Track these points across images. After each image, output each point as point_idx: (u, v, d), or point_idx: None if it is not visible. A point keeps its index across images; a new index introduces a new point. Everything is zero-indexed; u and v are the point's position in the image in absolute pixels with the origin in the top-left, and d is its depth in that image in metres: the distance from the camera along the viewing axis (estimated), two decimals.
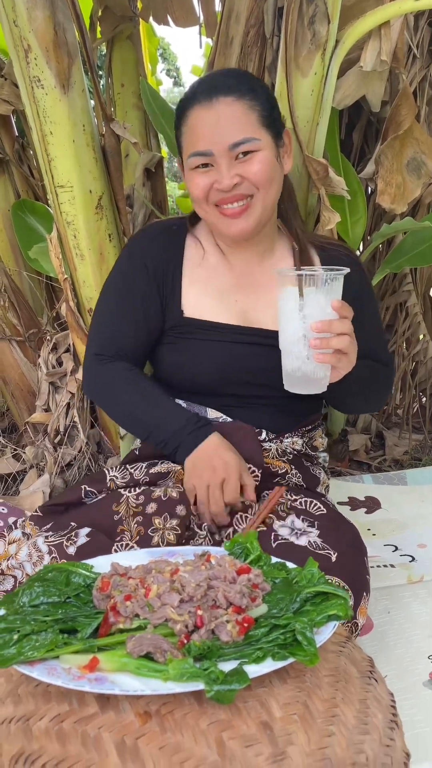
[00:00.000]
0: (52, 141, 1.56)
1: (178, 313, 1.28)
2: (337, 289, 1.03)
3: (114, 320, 1.30)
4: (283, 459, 1.32)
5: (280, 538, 1.10)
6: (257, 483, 1.22)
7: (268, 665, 0.64)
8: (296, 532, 1.12)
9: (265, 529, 1.13)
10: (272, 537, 1.10)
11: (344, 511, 1.76)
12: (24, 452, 2.06)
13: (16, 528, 1.23)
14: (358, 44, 1.65)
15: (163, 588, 0.68)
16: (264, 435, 1.31)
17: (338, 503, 1.78)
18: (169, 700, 0.63)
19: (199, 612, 0.66)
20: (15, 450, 2.11)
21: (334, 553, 1.08)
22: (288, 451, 1.34)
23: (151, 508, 1.13)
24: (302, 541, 1.09)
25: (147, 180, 2.36)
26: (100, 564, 0.81)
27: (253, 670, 0.63)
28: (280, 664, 0.64)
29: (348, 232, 1.86)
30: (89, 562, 0.81)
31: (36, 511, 1.20)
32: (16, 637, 0.66)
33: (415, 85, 1.97)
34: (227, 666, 0.64)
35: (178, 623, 0.66)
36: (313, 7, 1.49)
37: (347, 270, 1.03)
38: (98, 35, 2.58)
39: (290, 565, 0.81)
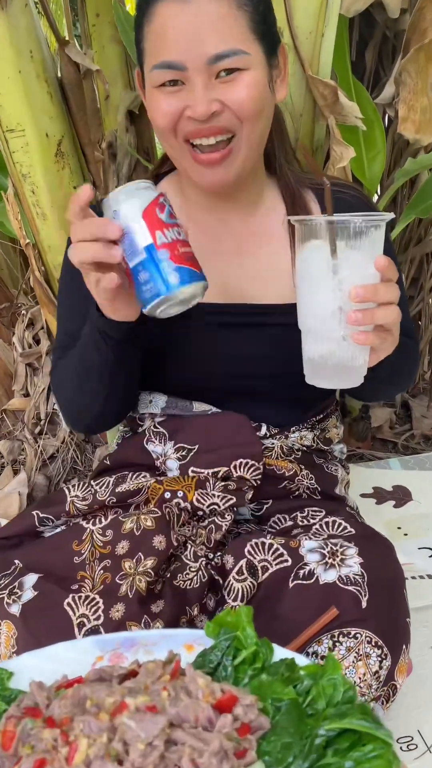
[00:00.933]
0: None
1: None
2: (378, 243, 0.78)
3: (67, 323, 1.06)
4: (290, 458, 1.08)
5: (302, 572, 0.88)
6: (257, 484, 1.01)
7: None
8: (327, 560, 0.89)
9: (290, 546, 0.92)
10: (296, 569, 0.88)
11: (369, 505, 1.50)
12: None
13: None
14: None
15: (95, 750, 0.42)
16: (264, 430, 1.06)
17: (362, 495, 1.53)
18: None
19: None
20: None
21: (365, 594, 0.84)
22: (296, 448, 1.09)
23: (122, 548, 0.90)
24: (330, 576, 0.86)
25: (130, 124, 2.06)
26: (25, 668, 0.55)
27: None
28: None
29: (364, 171, 1.55)
30: (9, 665, 0.56)
31: None
32: None
33: None
34: None
35: None
36: None
37: (391, 215, 0.77)
38: None
39: (301, 660, 0.55)
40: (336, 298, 0.77)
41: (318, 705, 0.49)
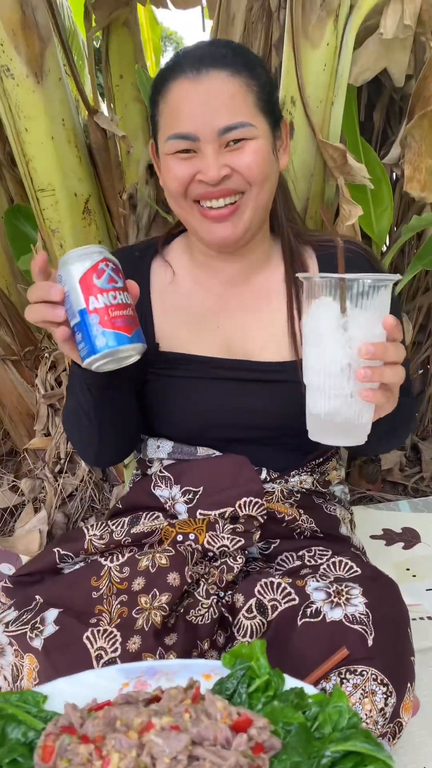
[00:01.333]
0: (28, 139, 1.37)
1: (154, 347, 1.10)
2: (386, 302, 0.80)
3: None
4: (290, 501, 1.12)
5: (309, 610, 0.91)
6: (262, 521, 1.04)
7: None
8: (332, 599, 0.92)
9: (295, 586, 0.95)
10: (303, 608, 0.91)
11: (378, 546, 1.54)
12: (21, 483, 1.87)
13: None
14: (376, 8, 1.42)
15: (126, 762, 0.47)
16: (264, 475, 1.10)
17: (371, 537, 1.56)
18: None
19: None
20: (13, 481, 1.93)
21: (371, 633, 0.87)
22: (296, 490, 1.13)
23: (138, 584, 0.94)
24: (336, 614, 0.90)
25: (150, 177, 2.17)
26: (57, 693, 0.61)
27: None
28: None
29: (372, 226, 1.63)
30: (45, 688, 0.61)
31: (6, 582, 1.01)
32: None
33: None
34: None
35: None
36: None
37: (398, 276, 0.81)
38: (93, 24, 2.39)
39: (310, 689, 0.60)
40: (345, 355, 0.78)
41: (325, 729, 0.54)
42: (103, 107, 2.28)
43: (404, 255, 1.96)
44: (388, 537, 1.58)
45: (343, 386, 0.80)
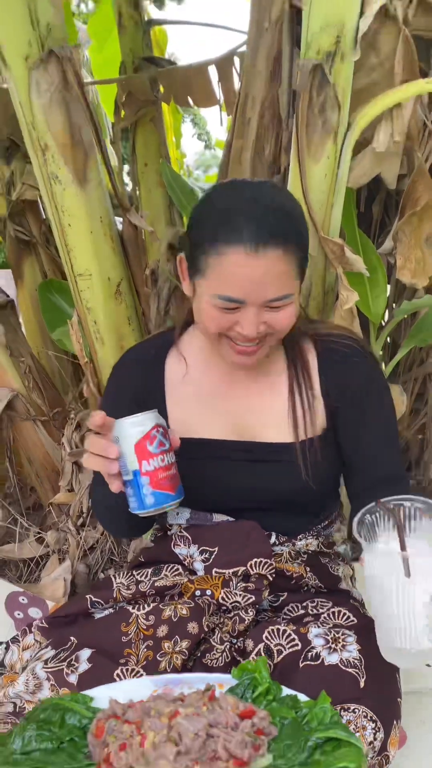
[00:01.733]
0: (70, 232, 1.59)
1: None
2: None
3: None
4: (297, 561, 1.24)
5: (310, 654, 1.04)
6: (271, 579, 1.17)
7: None
8: (330, 645, 1.05)
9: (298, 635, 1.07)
10: (305, 653, 1.04)
11: None
12: (47, 536, 2.03)
13: (30, 632, 1.20)
14: (371, 124, 1.66)
15: (160, 737, 0.63)
16: (273, 539, 1.22)
17: None
18: None
19: (197, 767, 0.61)
20: (38, 533, 2.09)
21: (362, 676, 1.00)
22: (302, 551, 1.25)
23: (162, 631, 1.08)
24: (333, 659, 1.02)
25: (171, 255, 2.40)
26: (101, 696, 0.77)
27: None
28: None
29: (369, 308, 1.84)
30: (89, 693, 0.77)
31: (42, 622, 1.16)
32: None
33: (431, 161, 1.96)
34: None
35: None
36: (323, 96, 1.51)
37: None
38: (122, 117, 2.67)
39: (302, 697, 0.76)
40: (415, 603, 0.82)
41: (312, 724, 0.70)
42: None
43: (400, 330, 2.15)
44: None
45: (415, 624, 0.83)
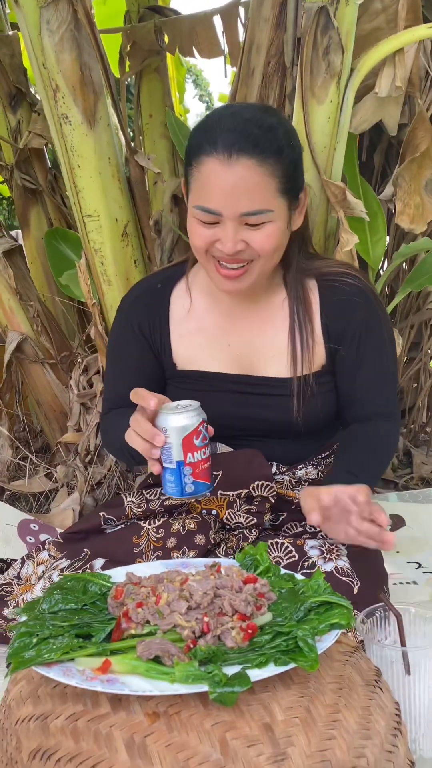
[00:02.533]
0: (79, 173, 1.64)
1: (172, 366, 1.28)
2: None
3: (112, 383, 1.34)
4: (297, 489, 1.30)
5: (306, 564, 1.12)
6: (273, 502, 1.24)
7: (270, 670, 0.67)
8: (324, 555, 1.14)
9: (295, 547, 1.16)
10: (302, 562, 1.12)
11: None
12: (56, 471, 2.12)
13: (43, 549, 1.29)
14: (373, 70, 1.70)
15: (173, 596, 0.72)
16: (275, 468, 1.27)
17: None
18: (176, 701, 0.67)
19: (206, 619, 0.70)
20: (47, 469, 2.18)
21: (356, 584, 1.09)
22: (303, 480, 1.31)
23: (171, 542, 1.17)
24: (329, 566, 1.11)
25: (174, 206, 2.44)
26: (117, 574, 0.85)
27: (255, 674, 0.66)
28: (281, 669, 0.67)
29: (369, 253, 1.89)
30: (107, 572, 0.86)
31: (58, 537, 1.25)
32: (35, 640, 0.70)
33: None
34: (231, 670, 0.67)
35: (185, 629, 0.69)
36: (327, 39, 1.55)
37: None
38: (127, 69, 2.68)
39: (299, 576, 0.84)
40: (414, 705, 0.83)
41: (307, 593, 0.78)
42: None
43: (399, 277, 2.21)
44: None
45: (411, 731, 0.83)
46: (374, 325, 1.25)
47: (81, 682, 0.65)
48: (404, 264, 2.20)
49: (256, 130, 1.05)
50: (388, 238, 2.08)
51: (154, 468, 1.04)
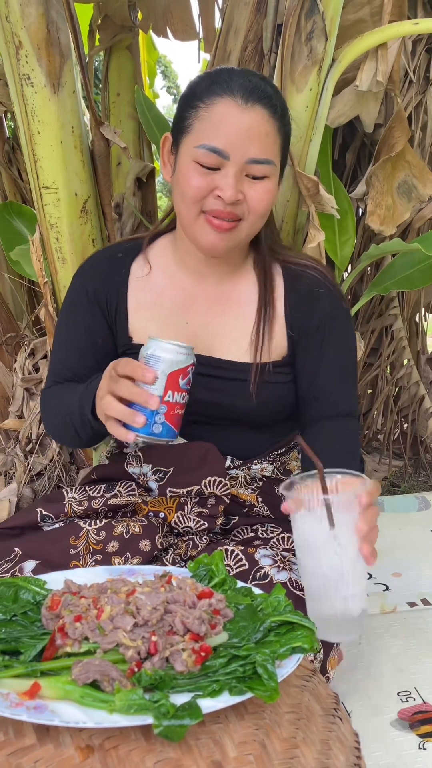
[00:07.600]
0: (39, 141, 1.52)
1: (127, 339, 1.22)
2: (359, 492, 0.84)
3: (61, 352, 1.25)
4: (252, 487, 1.24)
5: (258, 574, 1.05)
6: (227, 502, 1.17)
7: (224, 700, 0.59)
8: (278, 564, 1.07)
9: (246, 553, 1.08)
10: (253, 572, 1.05)
11: None
12: None
13: None
14: (354, 64, 1.64)
15: (117, 610, 0.63)
16: (229, 462, 1.21)
17: None
18: (114, 734, 0.58)
19: (153, 638, 0.61)
20: None
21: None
22: (257, 477, 1.25)
23: (112, 547, 1.08)
24: (282, 576, 1.04)
25: (137, 189, 2.33)
26: (54, 581, 0.76)
27: (208, 705, 0.58)
28: (236, 699, 0.59)
29: (336, 252, 1.84)
30: (42, 577, 0.76)
31: None
32: None
33: (410, 109, 1.96)
34: (180, 699, 0.59)
35: (129, 649, 0.60)
36: (311, 23, 1.48)
37: (367, 481, 0.86)
38: (96, 43, 2.56)
39: (256, 590, 0.76)
40: (341, 563, 0.81)
41: (266, 611, 0.71)
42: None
43: (363, 281, 2.17)
44: None
45: (344, 590, 0.82)
46: (337, 320, 1.21)
47: (3, 710, 0.55)
48: (368, 268, 2.16)
49: (269, 88, 1.07)
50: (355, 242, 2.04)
51: (138, 419, 0.93)
